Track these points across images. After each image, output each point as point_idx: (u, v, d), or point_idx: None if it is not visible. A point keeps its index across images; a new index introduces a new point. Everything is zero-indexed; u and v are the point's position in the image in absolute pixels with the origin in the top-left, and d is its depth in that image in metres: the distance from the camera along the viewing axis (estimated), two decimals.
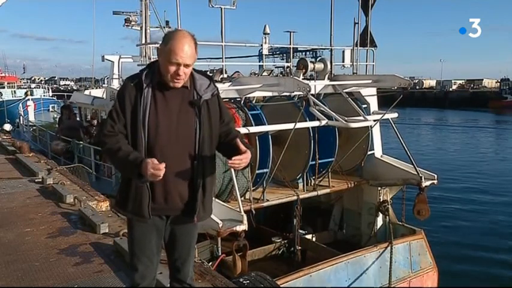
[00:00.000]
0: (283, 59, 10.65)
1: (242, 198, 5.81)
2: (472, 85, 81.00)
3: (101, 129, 2.61)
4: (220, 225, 4.93)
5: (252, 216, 5.97)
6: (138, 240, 2.64)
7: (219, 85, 6.43)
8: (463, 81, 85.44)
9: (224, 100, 6.76)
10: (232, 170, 5.80)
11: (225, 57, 6.83)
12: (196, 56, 2.53)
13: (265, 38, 7.58)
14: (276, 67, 8.74)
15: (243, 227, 5.04)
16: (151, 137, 2.46)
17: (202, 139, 2.51)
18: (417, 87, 71.51)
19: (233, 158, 2.39)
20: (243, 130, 6.28)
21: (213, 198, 2.78)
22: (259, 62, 9.89)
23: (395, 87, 7.35)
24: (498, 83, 70.89)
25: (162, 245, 2.74)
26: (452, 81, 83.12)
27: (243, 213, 5.24)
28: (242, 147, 2.46)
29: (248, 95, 6.78)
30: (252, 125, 6.42)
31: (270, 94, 6.95)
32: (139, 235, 2.63)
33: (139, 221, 2.58)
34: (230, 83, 6.51)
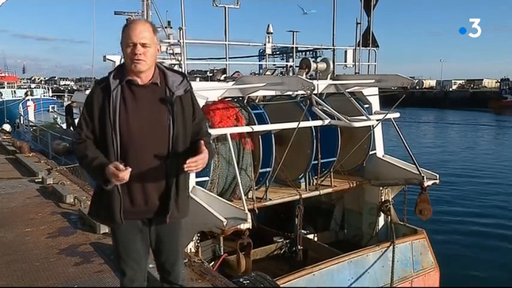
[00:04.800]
0: (283, 59, 10.63)
1: (245, 198, 5.78)
2: (472, 85, 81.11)
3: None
4: (225, 223, 4.90)
5: (255, 216, 5.94)
6: (123, 244, 2.60)
7: (222, 84, 6.46)
8: (463, 81, 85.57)
9: (227, 99, 6.79)
10: (236, 168, 5.78)
11: (227, 57, 6.80)
12: (157, 42, 2.48)
13: (269, 37, 7.54)
14: (277, 67, 8.71)
15: (247, 225, 5.00)
16: (124, 139, 2.40)
17: (176, 137, 2.45)
18: (417, 87, 71.56)
19: (188, 161, 2.31)
20: (246, 129, 6.28)
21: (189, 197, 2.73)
22: (260, 62, 9.88)
23: (396, 87, 7.32)
24: (498, 83, 70.87)
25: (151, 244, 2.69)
26: (452, 81, 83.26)
27: (247, 211, 5.20)
28: (201, 147, 2.39)
29: (251, 94, 6.75)
30: (255, 124, 6.39)
31: (273, 93, 6.91)
32: (123, 239, 2.59)
33: (119, 226, 2.54)
34: (233, 82, 6.47)
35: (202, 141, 2.43)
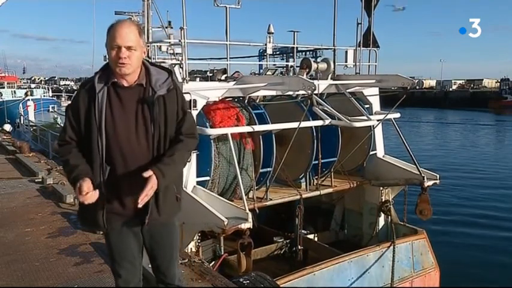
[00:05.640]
0: (283, 59, 10.63)
1: (245, 197, 5.77)
2: (472, 85, 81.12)
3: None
4: (226, 223, 4.90)
5: (255, 216, 5.94)
6: (117, 247, 2.60)
7: (223, 84, 6.45)
8: (463, 81, 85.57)
9: (228, 99, 6.78)
10: (237, 168, 5.78)
11: (228, 57, 6.79)
12: (143, 44, 2.44)
13: (270, 37, 7.53)
14: (277, 67, 8.71)
15: (248, 224, 5.00)
16: (110, 142, 2.39)
17: (158, 138, 2.43)
18: (417, 87, 71.44)
19: (139, 199, 2.29)
20: (247, 129, 6.27)
21: (179, 199, 2.64)
22: (260, 62, 9.87)
23: (396, 87, 7.31)
24: (498, 83, 70.87)
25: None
26: (452, 81, 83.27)
27: (248, 211, 5.20)
28: (145, 174, 2.31)
29: (252, 94, 6.74)
30: (256, 124, 6.38)
31: (274, 93, 6.90)
32: (116, 241, 2.59)
33: (112, 229, 2.53)
34: (234, 82, 6.47)
35: (148, 171, 2.32)
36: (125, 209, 2.48)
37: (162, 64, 5.39)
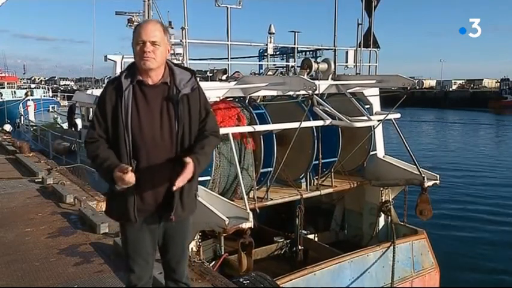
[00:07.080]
0: (283, 59, 10.65)
1: (246, 197, 5.77)
2: (472, 85, 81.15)
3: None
4: (227, 223, 4.91)
5: (256, 216, 5.94)
6: (133, 243, 2.63)
7: (224, 84, 6.45)
8: (463, 81, 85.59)
9: (229, 99, 6.78)
10: (238, 168, 5.78)
11: (229, 57, 6.79)
12: (167, 42, 2.50)
13: (270, 37, 7.55)
14: (277, 67, 8.73)
15: (249, 224, 5.01)
16: (136, 138, 2.43)
17: (181, 135, 2.48)
18: (417, 87, 71.29)
19: (176, 182, 2.34)
20: (247, 129, 6.27)
21: (197, 196, 2.73)
22: (261, 62, 9.89)
23: (396, 88, 7.31)
24: (498, 83, 70.87)
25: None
26: (452, 81, 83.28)
27: (248, 210, 5.21)
28: (186, 159, 2.37)
29: (253, 94, 6.74)
30: (257, 124, 6.38)
31: (275, 93, 6.91)
32: (133, 237, 2.61)
33: (130, 224, 2.56)
34: (236, 82, 6.47)
35: (187, 158, 2.38)
36: (145, 205, 2.50)
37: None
